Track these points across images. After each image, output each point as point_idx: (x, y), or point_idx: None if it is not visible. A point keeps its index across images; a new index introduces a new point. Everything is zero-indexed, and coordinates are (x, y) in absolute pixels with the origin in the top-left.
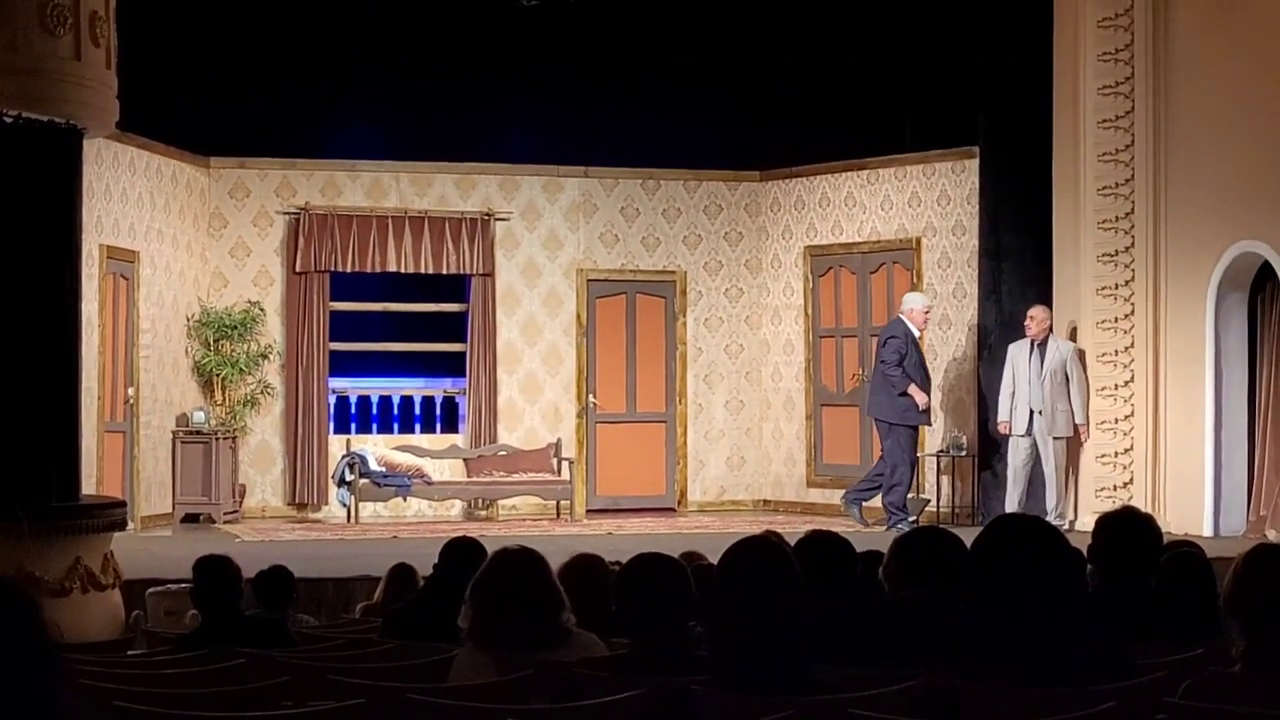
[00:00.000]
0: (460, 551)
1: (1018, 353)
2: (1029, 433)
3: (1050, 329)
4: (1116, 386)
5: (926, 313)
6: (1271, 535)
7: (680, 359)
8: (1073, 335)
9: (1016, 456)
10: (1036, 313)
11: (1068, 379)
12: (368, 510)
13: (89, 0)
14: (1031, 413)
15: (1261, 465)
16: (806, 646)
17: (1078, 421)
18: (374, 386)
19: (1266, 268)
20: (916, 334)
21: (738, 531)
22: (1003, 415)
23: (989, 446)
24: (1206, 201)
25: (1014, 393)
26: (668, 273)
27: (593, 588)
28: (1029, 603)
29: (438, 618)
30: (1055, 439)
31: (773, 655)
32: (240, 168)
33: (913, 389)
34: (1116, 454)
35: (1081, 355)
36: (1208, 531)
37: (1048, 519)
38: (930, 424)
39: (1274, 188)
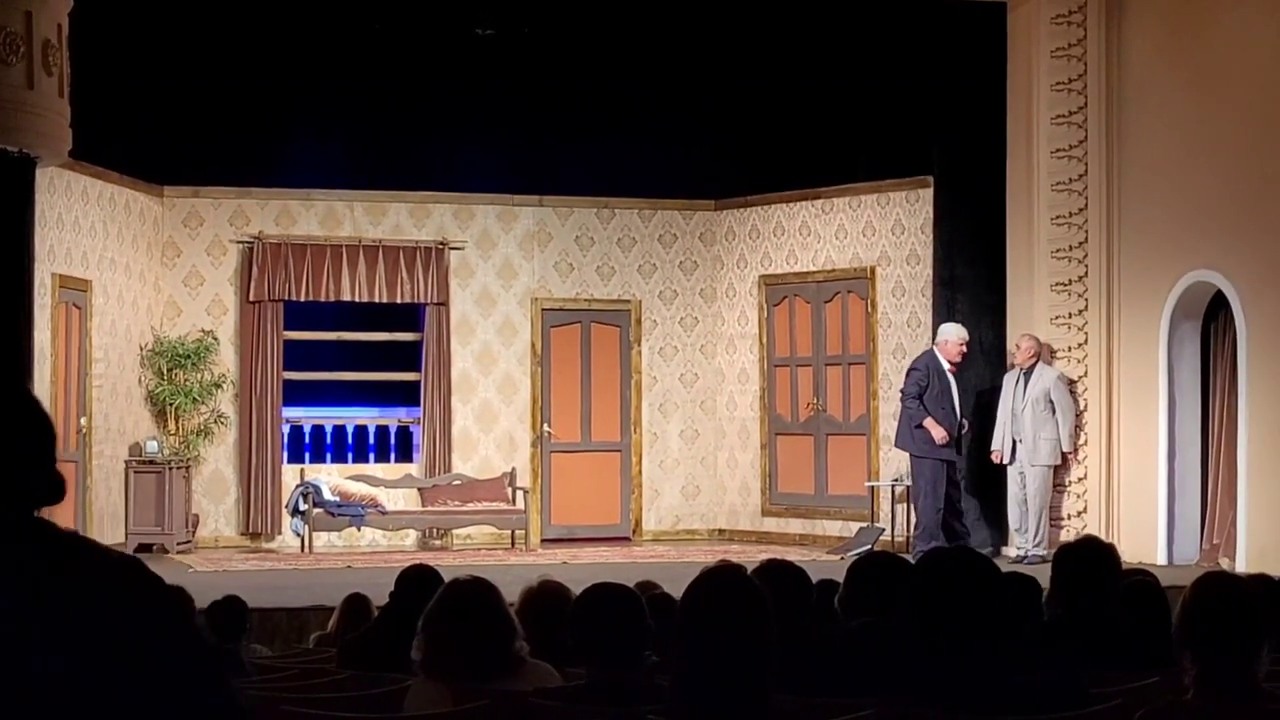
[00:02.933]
0: (416, 580)
1: (1007, 381)
2: (1014, 461)
3: (1038, 357)
4: (1078, 414)
5: (961, 345)
6: (1224, 563)
7: (635, 388)
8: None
9: (1011, 485)
10: (1021, 341)
11: (1052, 407)
12: (322, 540)
13: (42, 29)
14: (1015, 441)
15: (1214, 493)
16: (767, 675)
17: (1064, 449)
18: (328, 416)
19: (1219, 297)
20: (946, 366)
21: (693, 561)
22: (995, 444)
23: (991, 473)
24: (1159, 231)
25: (1006, 422)
26: (622, 302)
27: (555, 616)
28: (965, 636)
29: (393, 647)
30: (1034, 467)
31: (736, 686)
32: (194, 196)
33: (929, 422)
34: (1071, 482)
35: (1068, 382)
36: (1161, 560)
37: (1014, 548)
38: (954, 458)
39: (1227, 217)
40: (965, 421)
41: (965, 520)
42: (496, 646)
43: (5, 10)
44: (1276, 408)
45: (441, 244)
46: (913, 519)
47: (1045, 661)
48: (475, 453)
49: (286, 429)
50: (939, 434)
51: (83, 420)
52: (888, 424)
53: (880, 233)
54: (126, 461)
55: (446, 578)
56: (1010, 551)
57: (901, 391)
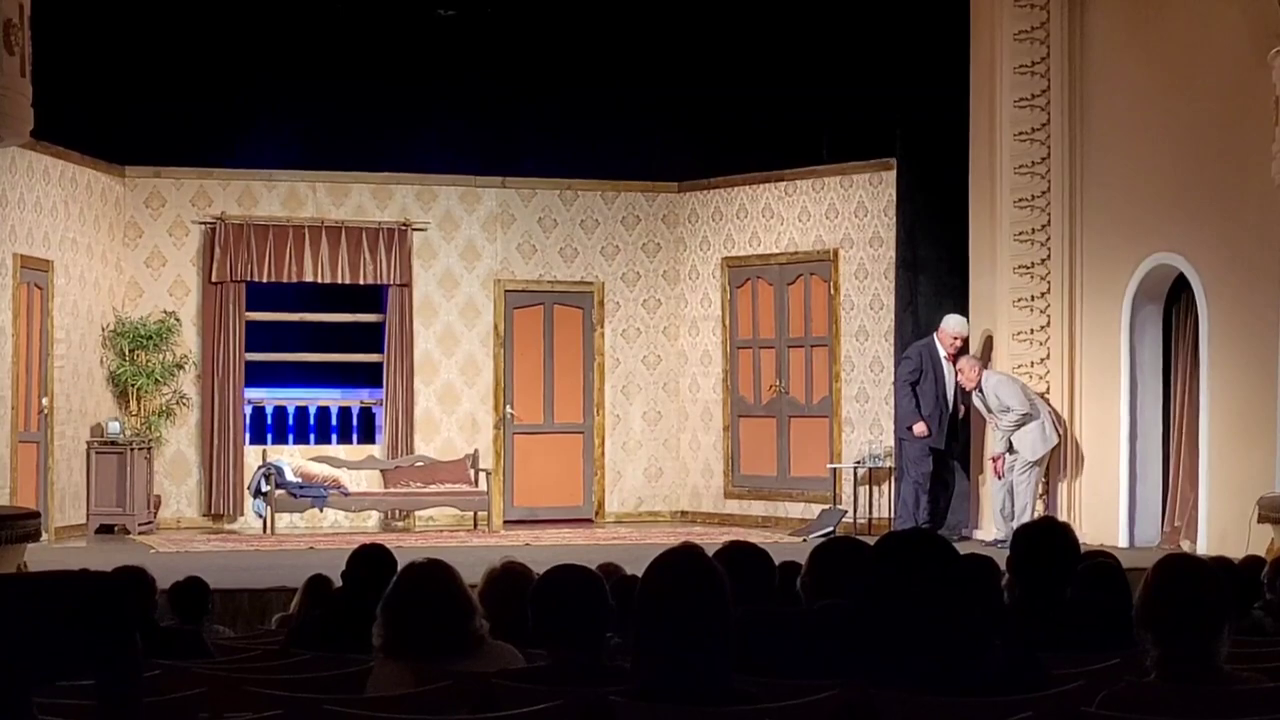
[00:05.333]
0: (368, 560)
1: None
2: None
3: (980, 372)
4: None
5: (954, 338)
6: (1186, 546)
7: (598, 370)
8: (988, 345)
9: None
10: (964, 366)
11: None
12: (284, 521)
13: (4, 9)
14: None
15: (1176, 476)
16: (727, 656)
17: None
18: (290, 397)
19: (1181, 280)
20: (943, 354)
21: (655, 543)
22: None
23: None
24: (1122, 214)
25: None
26: (585, 284)
27: (518, 597)
28: (921, 617)
29: (346, 628)
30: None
31: (696, 666)
32: (156, 177)
33: (916, 425)
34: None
35: (1006, 380)
36: (1123, 542)
37: (990, 531)
38: (940, 445)
39: (1189, 200)
40: (963, 407)
41: (950, 503)
42: (456, 627)
43: None
44: (1238, 391)
45: (404, 225)
46: (874, 500)
47: (1005, 643)
48: (438, 434)
49: (249, 410)
50: (919, 429)
51: (44, 401)
52: (850, 406)
53: (843, 215)
54: (88, 442)
55: (409, 559)
56: (985, 535)
57: (896, 378)
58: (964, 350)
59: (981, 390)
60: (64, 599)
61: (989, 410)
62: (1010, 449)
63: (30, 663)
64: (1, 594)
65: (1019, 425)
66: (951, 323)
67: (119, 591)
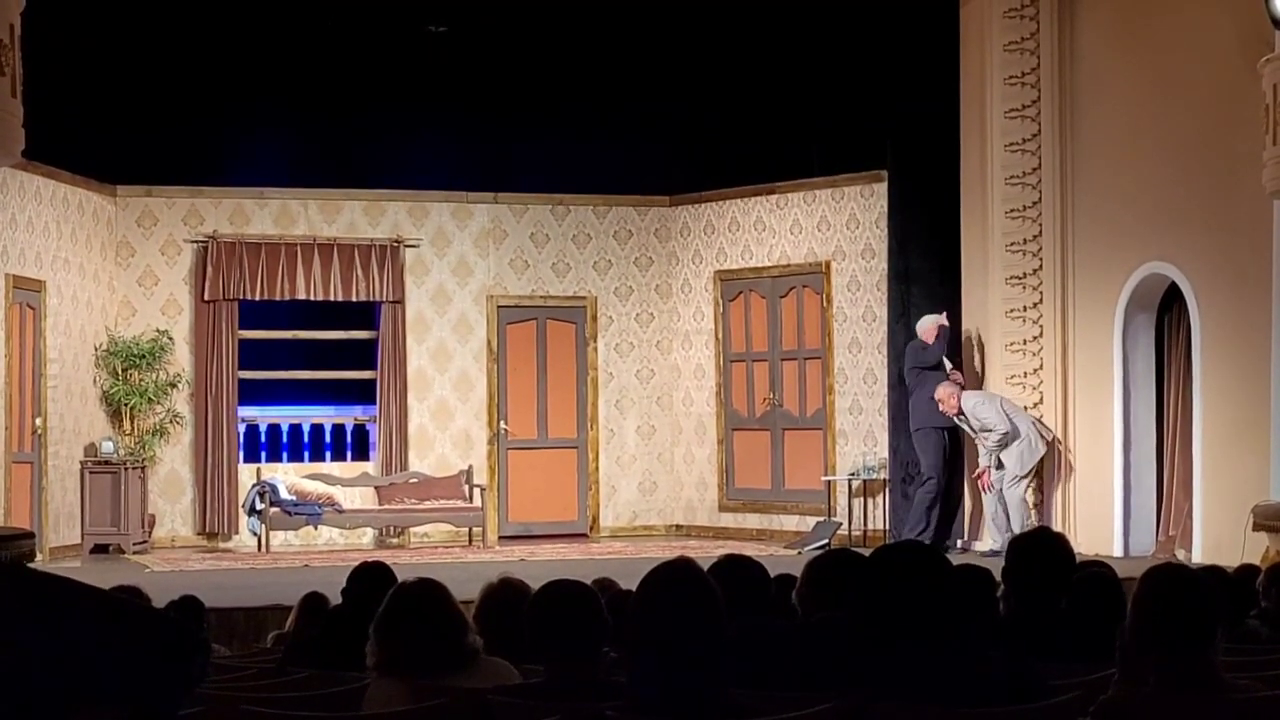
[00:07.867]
0: (369, 577)
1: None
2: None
3: (958, 396)
4: (1026, 408)
5: (937, 328)
6: (1180, 555)
7: (591, 384)
8: (978, 349)
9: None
10: (940, 393)
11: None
12: (278, 539)
13: None
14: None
15: (1170, 485)
16: (722, 670)
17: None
18: (284, 415)
19: (1173, 288)
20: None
21: (651, 557)
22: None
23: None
24: (1113, 223)
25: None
26: (578, 298)
27: (516, 613)
28: (914, 630)
29: (344, 645)
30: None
31: (691, 681)
32: (147, 196)
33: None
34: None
35: (984, 399)
36: (1117, 551)
37: (987, 542)
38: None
39: (1180, 209)
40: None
41: (953, 516)
42: (449, 644)
43: None
44: (1231, 399)
45: (396, 242)
46: (869, 512)
47: (1001, 654)
48: (432, 450)
49: (242, 428)
50: (956, 378)
51: (38, 421)
52: (844, 418)
53: (835, 227)
54: (82, 462)
55: (402, 577)
56: (982, 546)
57: (909, 367)
58: (942, 335)
59: (963, 413)
60: (125, 626)
61: (974, 431)
62: (999, 464)
63: (71, 681)
64: (63, 603)
65: (1002, 445)
66: (927, 320)
67: (181, 634)
